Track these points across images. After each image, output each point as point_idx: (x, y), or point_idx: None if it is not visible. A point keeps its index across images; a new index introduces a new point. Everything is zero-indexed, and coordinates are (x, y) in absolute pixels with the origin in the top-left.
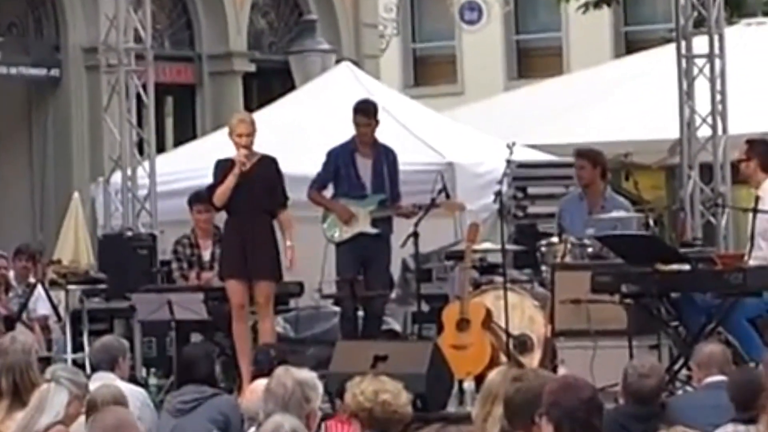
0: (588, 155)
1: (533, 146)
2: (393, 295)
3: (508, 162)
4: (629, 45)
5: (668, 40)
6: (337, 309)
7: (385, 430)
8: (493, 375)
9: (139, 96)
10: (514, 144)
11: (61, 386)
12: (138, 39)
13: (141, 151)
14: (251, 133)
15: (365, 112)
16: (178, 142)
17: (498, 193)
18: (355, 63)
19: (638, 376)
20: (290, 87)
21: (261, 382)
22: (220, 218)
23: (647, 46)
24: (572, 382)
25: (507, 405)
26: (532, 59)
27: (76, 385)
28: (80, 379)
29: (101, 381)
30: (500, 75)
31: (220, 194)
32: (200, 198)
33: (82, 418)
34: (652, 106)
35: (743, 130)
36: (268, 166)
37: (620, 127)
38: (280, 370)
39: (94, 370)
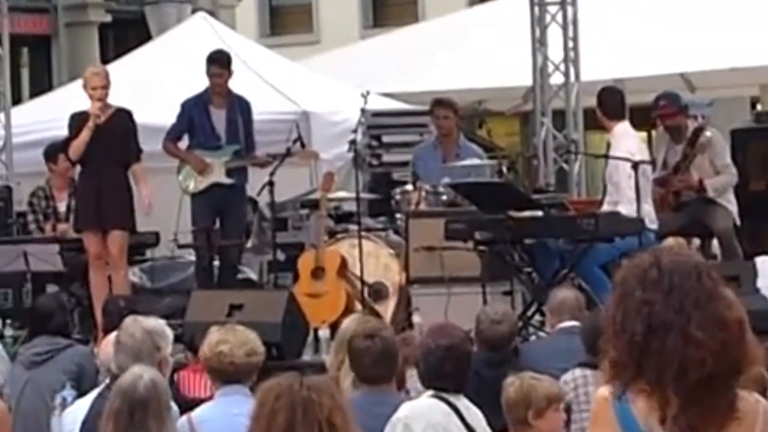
0: (451, 104)
1: (388, 95)
2: (249, 244)
3: (363, 111)
4: None
5: None
6: (192, 259)
7: (230, 381)
8: (346, 323)
9: None
10: (368, 93)
11: None
12: None
13: None
14: (105, 86)
15: (219, 62)
16: (34, 94)
17: (353, 142)
18: (211, 13)
19: (490, 322)
20: (146, 38)
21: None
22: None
23: None
24: (437, 329)
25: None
26: (388, 8)
27: None
28: None
29: None
30: (356, 24)
31: (75, 148)
32: (56, 150)
33: None
34: (505, 53)
35: (595, 77)
36: (122, 119)
37: (473, 75)
38: (128, 321)
39: None
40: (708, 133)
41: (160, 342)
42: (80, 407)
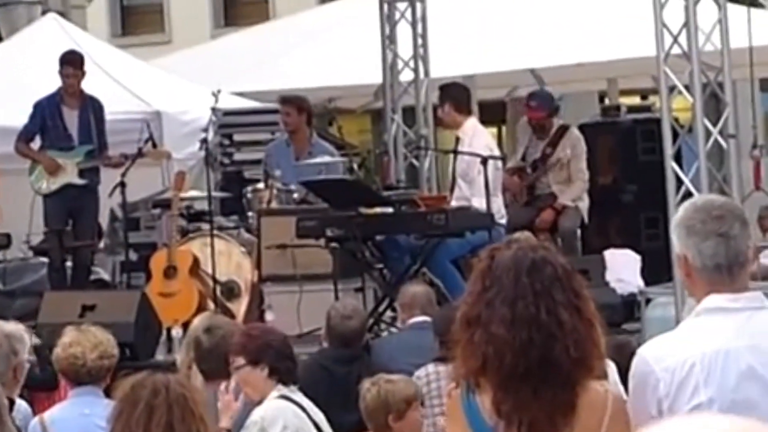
0: (293, 101)
1: (240, 94)
2: (101, 244)
3: (213, 110)
4: None
5: None
6: (44, 260)
7: (82, 382)
8: (195, 322)
9: None
10: (219, 92)
11: None
12: None
13: None
14: None
15: (72, 62)
16: None
17: (204, 141)
18: (62, 14)
19: (341, 318)
20: None
21: None
22: None
23: None
24: (266, 327)
25: (200, 355)
26: (239, 7)
27: None
28: None
29: None
30: (207, 23)
31: None
32: None
33: None
34: (355, 50)
35: (445, 74)
36: None
37: (324, 73)
38: None
39: None
40: (575, 133)
41: (17, 346)
42: None
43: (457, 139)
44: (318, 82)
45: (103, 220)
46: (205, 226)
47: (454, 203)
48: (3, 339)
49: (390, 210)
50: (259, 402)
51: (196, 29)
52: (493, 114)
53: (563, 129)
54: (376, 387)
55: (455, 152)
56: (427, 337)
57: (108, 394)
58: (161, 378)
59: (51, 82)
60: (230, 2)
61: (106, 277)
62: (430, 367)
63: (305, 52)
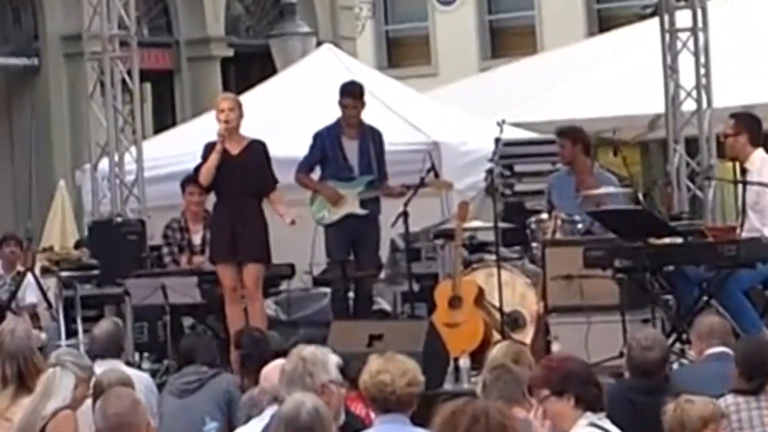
0: (566, 133)
1: (514, 124)
2: (382, 275)
3: (498, 140)
4: (602, 22)
5: (641, 17)
6: (326, 290)
7: (390, 410)
8: (496, 350)
9: (123, 82)
10: (504, 121)
11: (67, 370)
12: (121, 25)
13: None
14: (232, 108)
15: (352, 93)
16: (158, 129)
17: (490, 171)
18: (333, 45)
19: (641, 348)
20: (268, 70)
21: (279, 362)
22: (208, 202)
23: (620, 24)
24: (566, 356)
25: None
26: (506, 39)
27: (81, 368)
28: (85, 363)
29: (106, 366)
30: (474, 55)
31: (204, 172)
32: (191, 180)
33: (88, 401)
34: (631, 81)
35: (727, 104)
36: (256, 150)
37: (599, 104)
38: (294, 349)
39: (93, 355)
40: None
41: (313, 369)
42: None
43: (744, 170)
44: (593, 113)
45: (384, 249)
46: (488, 257)
47: (744, 234)
48: (299, 362)
49: (679, 240)
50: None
51: (463, 61)
52: None
53: None
54: (674, 405)
55: (745, 182)
56: (727, 367)
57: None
58: (481, 405)
59: (328, 113)
60: (497, 34)
61: (387, 307)
62: (730, 398)
63: (579, 82)
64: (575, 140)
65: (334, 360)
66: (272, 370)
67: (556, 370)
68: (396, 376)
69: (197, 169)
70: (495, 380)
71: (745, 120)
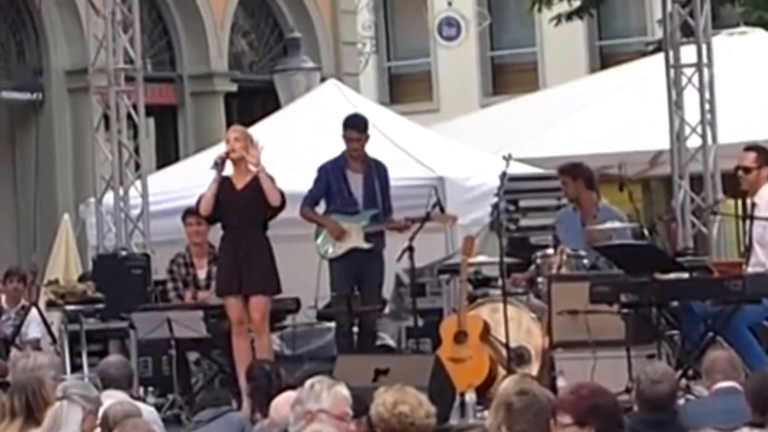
0: (566, 171)
1: (518, 160)
2: (386, 309)
3: (503, 174)
4: (604, 60)
5: (643, 54)
6: (330, 325)
7: None
8: (505, 384)
9: (128, 116)
10: (510, 156)
11: (74, 403)
12: (126, 60)
13: None
14: (238, 138)
15: (356, 126)
16: (161, 164)
17: (495, 206)
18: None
19: (650, 382)
20: (272, 105)
21: (290, 394)
22: (214, 237)
23: (622, 61)
24: (597, 387)
25: (513, 416)
26: (507, 75)
27: (88, 400)
28: (92, 394)
29: (113, 398)
30: (475, 91)
31: (204, 201)
32: (191, 211)
33: None
34: (634, 118)
35: (732, 140)
36: (260, 184)
37: (602, 140)
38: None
39: (105, 385)
40: None
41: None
42: None
43: (753, 205)
44: (594, 149)
45: (388, 284)
46: (493, 292)
47: (750, 269)
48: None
49: (685, 276)
50: None
51: (465, 97)
52: None
53: None
54: None
55: (752, 217)
56: (735, 402)
57: None
58: None
59: (333, 147)
60: (499, 70)
61: (391, 342)
62: (745, 431)
63: (582, 118)
64: (575, 177)
65: (340, 393)
66: (282, 403)
67: (585, 399)
68: (414, 407)
69: (199, 200)
70: (495, 416)
71: (764, 153)
